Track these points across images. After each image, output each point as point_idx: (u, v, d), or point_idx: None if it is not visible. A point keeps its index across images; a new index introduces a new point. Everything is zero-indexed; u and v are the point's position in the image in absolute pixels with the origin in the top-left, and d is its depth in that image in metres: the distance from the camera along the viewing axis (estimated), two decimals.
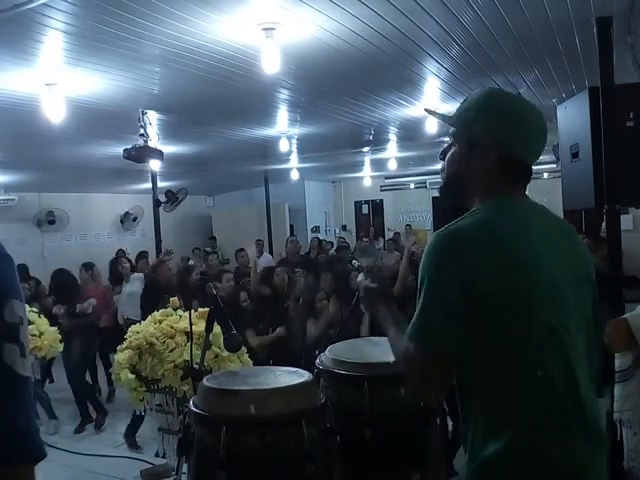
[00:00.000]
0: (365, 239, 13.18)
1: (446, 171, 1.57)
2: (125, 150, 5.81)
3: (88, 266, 7.31)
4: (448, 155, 1.56)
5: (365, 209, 16.95)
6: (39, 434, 0.81)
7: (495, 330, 1.33)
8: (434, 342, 1.34)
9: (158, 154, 5.89)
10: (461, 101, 1.59)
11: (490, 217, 1.40)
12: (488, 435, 1.34)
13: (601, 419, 1.44)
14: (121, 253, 10.60)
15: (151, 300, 5.63)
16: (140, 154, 5.73)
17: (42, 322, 5.03)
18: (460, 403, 1.42)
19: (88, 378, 6.40)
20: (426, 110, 1.95)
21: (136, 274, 7.06)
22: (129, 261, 7.72)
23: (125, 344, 2.85)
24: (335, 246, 12.32)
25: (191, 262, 10.66)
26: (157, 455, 2.88)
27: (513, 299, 1.33)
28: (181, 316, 2.94)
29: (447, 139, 1.68)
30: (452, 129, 1.58)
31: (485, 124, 1.46)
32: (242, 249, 8.30)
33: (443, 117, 1.66)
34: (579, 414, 1.35)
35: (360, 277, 1.83)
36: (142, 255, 8.37)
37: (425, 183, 15.41)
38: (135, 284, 6.76)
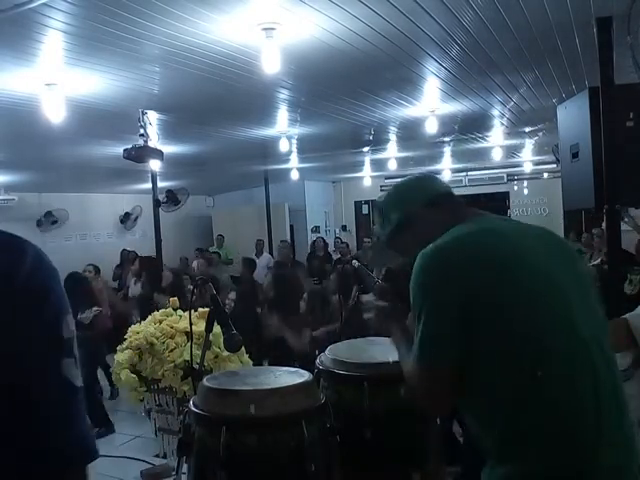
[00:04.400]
0: (367, 239, 13.17)
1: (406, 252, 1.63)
2: (125, 150, 5.81)
3: (97, 269, 7.37)
4: (397, 247, 1.68)
5: (365, 209, 16.94)
6: (93, 435, 0.89)
7: (497, 340, 1.33)
8: (437, 361, 1.37)
9: (158, 154, 5.89)
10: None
11: (466, 232, 1.45)
12: (500, 453, 1.35)
13: (629, 426, 1.38)
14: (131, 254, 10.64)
15: None
16: (140, 154, 5.73)
17: None
18: (470, 421, 1.45)
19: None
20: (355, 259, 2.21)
21: None
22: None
23: (125, 344, 2.84)
24: (333, 247, 12.32)
25: (194, 263, 10.68)
26: (157, 455, 2.88)
27: (509, 306, 1.34)
28: (181, 316, 2.94)
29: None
30: (383, 239, 1.71)
31: (396, 212, 1.63)
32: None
33: (378, 242, 1.79)
34: (599, 427, 1.30)
35: (368, 297, 1.81)
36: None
37: None
38: None
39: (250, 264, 8.39)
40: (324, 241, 11.95)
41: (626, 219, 4.57)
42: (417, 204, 1.60)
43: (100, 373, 6.77)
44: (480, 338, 1.33)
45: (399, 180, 1.76)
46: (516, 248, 1.42)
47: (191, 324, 2.36)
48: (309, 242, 13.35)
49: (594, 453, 1.29)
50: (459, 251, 1.39)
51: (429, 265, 1.39)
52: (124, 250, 11.12)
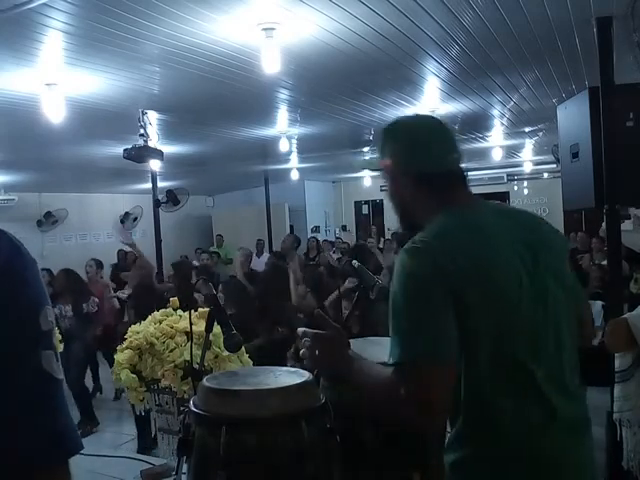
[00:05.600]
0: (370, 240, 13.12)
1: (392, 206, 1.63)
2: (125, 150, 5.82)
3: (99, 264, 7.39)
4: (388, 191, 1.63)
5: (365, 209, 16.95)
6: (76, 429, 0.86)
7: (478, 331, 1.34)
8: (428, 354, 1.29)
9: (158, 154, 5.90)
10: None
11: (444, 225, 1.41)
12: (472, 430, 1.40)
13: (580, 407, 1.46)
14: (122, 254, 10.64)
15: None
16: (140, 154, 5.74)
17: None
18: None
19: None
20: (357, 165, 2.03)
21: None
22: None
23: (125, 344, 2.84)
24: (334, 247, 12.33)
25: (193, 263, 10.67)
26: (157, 455, 2.88)
27: (487, 298, 1.33)
28: (181, 316, 2.93)
29: None
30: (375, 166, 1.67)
31: (389, 155, 1.53)
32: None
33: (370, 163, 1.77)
34: (554, 404, 1.38)
35: (300, 329, 1.63)
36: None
37: None
38: None
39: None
40: (317, 240, 11.96)
41: (633, 220, 4.58)
42: (410, 171, 1.50)
43: (102, 373, 6.82)
44: (462, 334, 1.33)
45: (410, 118, 1.63)
46: (496, 252, 1.39)
47: (191, 324, 2.36)
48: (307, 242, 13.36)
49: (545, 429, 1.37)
50: (443, 249, 1.35)
51: (413, 262, 1.35)
52: (120, 250, 11.11)
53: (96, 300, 6.32)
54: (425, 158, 1.49)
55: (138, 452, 4.59)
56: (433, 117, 1.59)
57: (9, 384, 0.78)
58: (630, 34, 3.56)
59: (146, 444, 4.75)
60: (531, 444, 1.35)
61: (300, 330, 1.64)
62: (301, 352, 1.58)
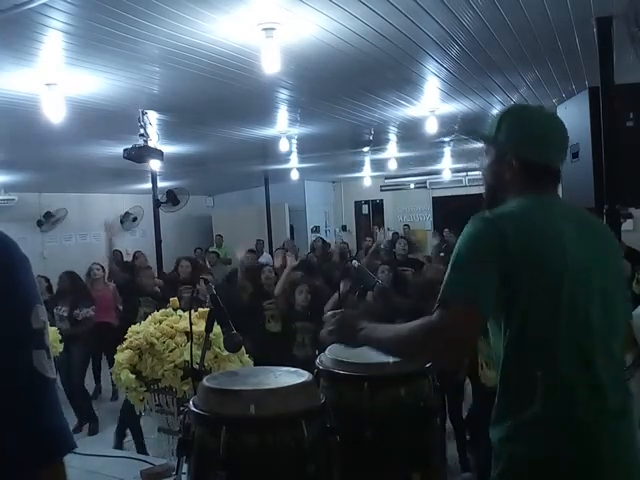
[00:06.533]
0: (369, 239, 13.12)
1: (484, 180, 1.73)
2: (125, 150, 5.82)
3: (103, 268, 7.38)
4: (483, 166, 1.72)
5: (365, 209, 16.94)
6: (69, 428, 0.85)
7: (530, 301, 1.43)
8: (471, 297, 1.42)
9: (158, 154, 5.90)
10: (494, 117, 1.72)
11: (520, 205, 1.54)
12: (522, 403, 1.45)
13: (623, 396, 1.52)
14: (118, 255, 10.61)
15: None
16: (140, 154, 5.74)
17: None
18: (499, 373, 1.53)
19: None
20: (460, 130, 2.15)
21: None
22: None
23: (125, 344, 2.84)
24: (333, 247, 12.33)
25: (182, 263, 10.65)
26: (157, 455, 2.88)
27: (546, 271, 1.45)
28: (181, 316, 2.94)
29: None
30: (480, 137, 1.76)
31: (506, 136, 1.61)
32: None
33: (477, 135, 1.84)
34: (601, 387, 1.46)
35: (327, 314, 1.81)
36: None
37: (425, 183, 15.41)
38: None
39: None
40: (323, 241, 11.95)
41: None
42: (522, 155, 1.58)
43: (103, 373, 6.82)
44: (513, 303, 1.44)
45: (539, 109, 1.68)
46: (560, 230, 1.50)
47: (191, 324, 2.36)
48: (309, 242, 13.35)
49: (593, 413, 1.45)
50: (508, 219, 1.48)
51: (478, 225, 1.48)
52: (116, 251, 11.08)
53: (92, 308, 6.20)
54: (541, 150, 1.59)
55: (136, 452, 4.59)
56: (557, 116, 1.69)
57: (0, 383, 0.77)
58: (631, 31, 3.55)
59: (142, 444, 4.74)
60: (580, 427, 1.43)
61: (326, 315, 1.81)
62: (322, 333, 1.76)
